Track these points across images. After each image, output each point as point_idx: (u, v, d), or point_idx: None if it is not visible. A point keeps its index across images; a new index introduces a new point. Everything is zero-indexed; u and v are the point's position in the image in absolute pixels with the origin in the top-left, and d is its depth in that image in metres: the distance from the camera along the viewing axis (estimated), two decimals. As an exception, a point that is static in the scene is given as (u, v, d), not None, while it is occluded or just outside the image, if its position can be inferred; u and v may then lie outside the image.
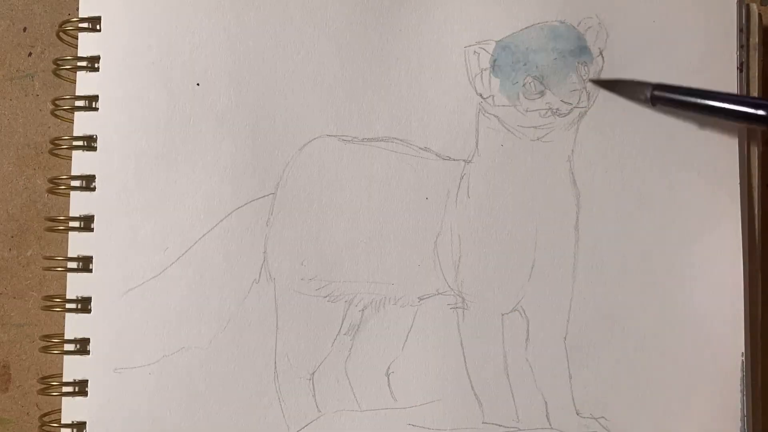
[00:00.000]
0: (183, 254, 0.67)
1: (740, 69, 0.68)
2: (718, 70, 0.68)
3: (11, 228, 0.72)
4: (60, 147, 0.69)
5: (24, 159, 0.72)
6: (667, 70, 0.67)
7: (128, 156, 0.68)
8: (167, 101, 0.68)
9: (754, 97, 0.67)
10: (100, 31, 0.69)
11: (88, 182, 0.68)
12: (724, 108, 0.63)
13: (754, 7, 0.69)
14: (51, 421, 0.68)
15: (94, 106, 0.69)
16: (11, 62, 0.73)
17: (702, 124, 0.67)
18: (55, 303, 0.68)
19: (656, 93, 0.65)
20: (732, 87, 0.67)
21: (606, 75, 0.67)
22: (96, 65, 0.69)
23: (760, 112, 0.62)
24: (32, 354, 0.71)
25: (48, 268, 0.70)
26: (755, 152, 0.68)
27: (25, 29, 0.73)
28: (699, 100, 0.64)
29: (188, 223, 0.67)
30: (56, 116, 0.70)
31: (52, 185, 0.69)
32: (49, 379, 0.68)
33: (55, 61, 0.70)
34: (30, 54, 0.73)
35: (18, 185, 0.72)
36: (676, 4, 0.68)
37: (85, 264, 0.68)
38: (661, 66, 0.68)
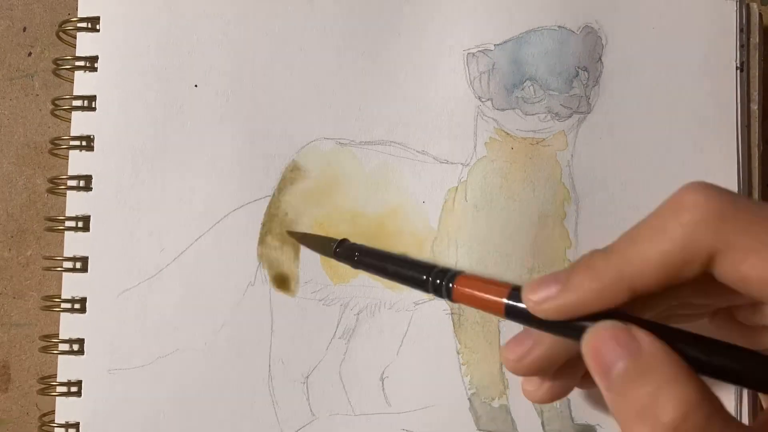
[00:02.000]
0: (179, 256, 0.67)
1: (740, 69, 0.67)
2: (717, 74, 0.67)
3: (11, 228, 0.72)
4: (59, 147, 0.69)
5: (24, 159, 0.72)
6: (667, 74, 0.67)
7: (125, 156, 0.68)
8: (165, 102, 0.68)
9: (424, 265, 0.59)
10: (98, 31, 0.69)
11: (85, 182, 0.68)
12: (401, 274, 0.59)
13: (754, 6, 0.69)
14: (50, 422, 0.68)
15: (92, 106, 0.69)
16: (11, 62, 0.73)
17: (701, 129, 0.67)
18: (54, 303, 0.68)
19: (338, 249, 0.63)
20: (732, 92, 0.67)
21: (605, 80, 0.67)
22: (94, 65, 0.69)
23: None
24: (32, 354, 0.71)
25: (47, 268, 0.70)
26: (755, 152, 0.68)
27: (24, 29, 0.73)
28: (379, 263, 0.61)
29: (184, 225, 0.67)
30: (56, 116, 0.70)
31: (51, 185, 0.69)
32: (48, 380, 0.68)
33: (55, 61, 0.70)
34: (30, 54, 0.73)
35: (18, 185, 0.72)
36: (675, 9, 0.68)
37: (81, 264, 0.68)
38: (660, 70, 0.67)
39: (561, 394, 0.57)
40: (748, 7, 0.68)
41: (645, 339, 0.45)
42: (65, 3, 0.73)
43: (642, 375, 0.44)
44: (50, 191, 0.69)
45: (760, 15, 0.69)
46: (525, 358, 0.53)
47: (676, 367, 0.44)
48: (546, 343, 0.52)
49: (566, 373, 0.56)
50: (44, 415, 0.69)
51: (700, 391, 0.43)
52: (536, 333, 0.52)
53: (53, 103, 0.69)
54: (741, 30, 0.68)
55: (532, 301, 0.48)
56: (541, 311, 0.48)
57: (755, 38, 0.68)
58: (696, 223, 0.45)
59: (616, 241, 0.48)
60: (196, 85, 0.68)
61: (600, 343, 0.46)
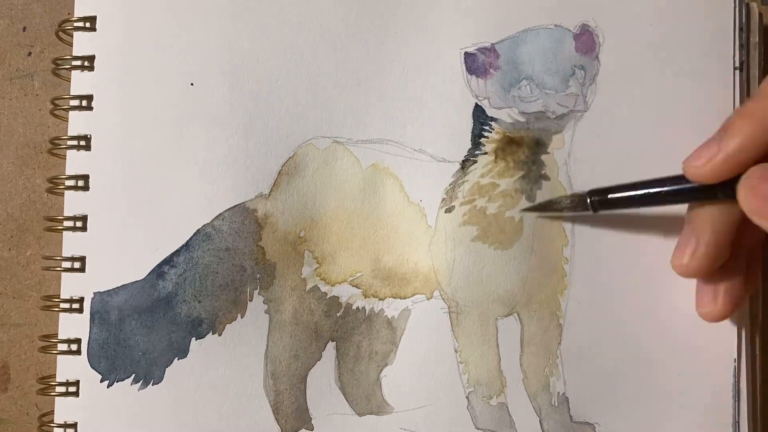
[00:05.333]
0: (172, 254, 0.67)
1: (740, 69, 0.67)
2: (714, 73, 0.67)
3: (11, 228, 0.72)
4: (58, 147, 0.69)
5: (24, 159, 0.72)
6: (663, 72, 0.67)
7: (122, 155, 0.68)
8: (161, 101, 0.68)
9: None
10: (95, 30, 0.69)
11: (82, 182, 0.68)
12: (669, 192, 0.61)
13: (754, 6, 0.68)
14: (50, 422, 0.68)
15: (89, 105, 0.69)
16: (11, 62, 0.73)
17: (698, 127, 0.66)
18: (53, 303, 0.68)
19: (594, 199, 0.63)
20: (729, 89, 0.67)
21: (602, 78, 0.67)
22: (92, 65, 0.69)
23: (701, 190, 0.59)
24: (32, 354, 0.71)
25: (46, 268, 0.70)
26: (755, 152, 0.68)
27: (24, 29, 0.73)
28: (640, 192, 0.62)
29: (180, 224, 0.67)
30: (55, 116, 0.70)
31: (51, 185, 0.69)
32: (48, 380, 0.68)
33: (54, 61, 0.70)
34: (29, 54, 0.73)
35: (18, 185, 0.72)
36: (672, 6, 0.68)
37: (79, 264, 0.68)
38: (657, 68, 0.67)
39: (735, 301, 0.63)
40: (747, 6, 0.68)
41: None
42: (65, 2, 0.72)
43: None
44: (50, 191, 0.69)
45: (760, 15, 0.68)
46: (694, 254, 0.60)
47: None
48: (706, 235, 0.59)
49: (730, 276, 0.62)
50: (44, 415, 0.69)
51: None
52: (694, 232, 0.60)
53: (53, 103, 0.69)
54: (741, 29, 0.68)
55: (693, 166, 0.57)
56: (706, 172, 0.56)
57: (755, 38, 0.68)
58: None
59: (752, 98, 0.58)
60: (192, 84, 0.68)
61: (755, 181, 0.54)
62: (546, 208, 0.66)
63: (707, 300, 0.63)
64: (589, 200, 0.63)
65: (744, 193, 0.55)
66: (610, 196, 0.62)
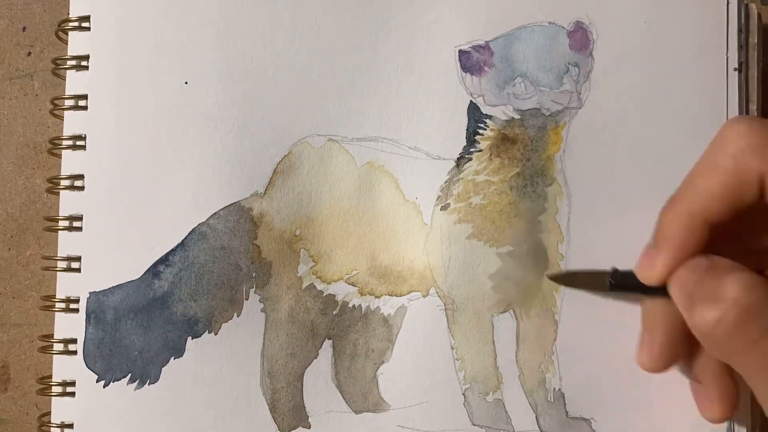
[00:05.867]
0: (168, 253, 0.68)
1: (739, 69, 0.67)
2: (708, 69, 0.67)
3: (10, 228, 0.72)
4: (57, 147, 0.69)
5: (23, 159, 0.72)
6: (658, 68, 0.67)
7: (116, 155, 0.68)
8: (155, 100, 0.68)
9: None
10: (89, 29, 0.69)
11: (77, 182, 0.68)
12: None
13: (753, 7, 0.68)
14: (50, 422, 0.68)
15: (84, 105, 0.69)
16: (10, 62, 0.73)
17: (692, 122, 0.66)
18: (52, 303, 0.68)
19: (613, 281, 0.61)
20: (723, 88, 0.67)
21: (596, 75, 0.67)
22: (87, 64, 0.69)
23: None
24: (32, 354, 0.71)
25: (45, 268, 0.70)
26: (755, 152, 0.67)
27: (24, 28, 0.73)
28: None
29: (175, 223, 0.67)
30: (55, 116, 0.70)
31: (50, 185, 0.69)
32: (47, 380, 0.68)
33: (54, 61, 0.70)
34: (29, 53, 0.73)
35: (17, 185, 0.72)
36: (666, 3, 0.68)
37: (74, 264, 0.68)
38: (651, 65, 0.67)
39: (732, 400, 0.62)
40: (747, 7, 0.68)
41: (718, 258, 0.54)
42: (64, 2, 0.72)
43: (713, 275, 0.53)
44: (49, 191, 0.69)
45: (760, 15, 0.68)
46: (651, 352, 0.61)
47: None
48: (658, 334, 0.60)
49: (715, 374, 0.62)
50: (43, 415, 0.69)
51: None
52: (647, 330, 0.61)
53: (52, 103, 0.69)
54: (740, 30, 0.67)
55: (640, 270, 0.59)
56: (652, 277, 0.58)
57: (754, 38, 0.68)
58: (743, 151, 0.53)
59: (677, 189, 0.57)
60: (186, 82, 0.68)
61: (682, 278, 0.55)
62: (568, 281, 0.66)
63: (705, 404, 0.63)
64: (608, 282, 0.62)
65: (674, 290, 0.56)
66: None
